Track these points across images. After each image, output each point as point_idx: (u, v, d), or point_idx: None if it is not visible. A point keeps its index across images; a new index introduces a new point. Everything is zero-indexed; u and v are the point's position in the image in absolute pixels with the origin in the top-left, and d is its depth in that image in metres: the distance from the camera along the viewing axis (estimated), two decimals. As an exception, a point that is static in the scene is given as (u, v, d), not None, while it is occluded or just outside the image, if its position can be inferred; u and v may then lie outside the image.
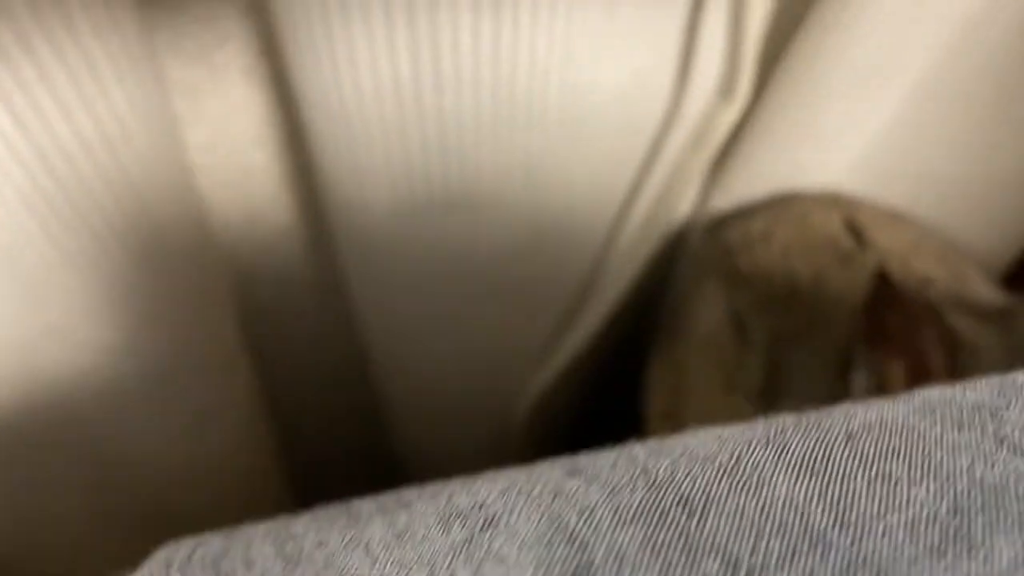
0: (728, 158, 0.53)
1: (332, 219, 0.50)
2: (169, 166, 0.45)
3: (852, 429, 0.20)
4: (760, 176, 0.54)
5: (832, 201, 0.54)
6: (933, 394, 0.23)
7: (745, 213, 0.56)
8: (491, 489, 0.20)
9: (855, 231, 0.51)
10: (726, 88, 0.44)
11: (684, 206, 0.58)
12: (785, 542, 0.16)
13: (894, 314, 0.38)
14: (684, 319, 0.56)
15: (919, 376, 0.39)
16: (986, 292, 0.51)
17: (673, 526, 0.17)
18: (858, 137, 0.52)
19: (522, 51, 0.40)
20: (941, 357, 0.38)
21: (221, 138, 0.50)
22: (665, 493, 0.18)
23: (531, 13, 0.38)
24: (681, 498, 0.18)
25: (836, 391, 0.44)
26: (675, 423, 0.55)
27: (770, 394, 0.49)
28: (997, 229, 0.56)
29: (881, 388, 0.40)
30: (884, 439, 0.20)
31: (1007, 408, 0.21)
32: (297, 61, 0.42)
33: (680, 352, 0.55)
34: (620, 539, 0.17)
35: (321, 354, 0.63)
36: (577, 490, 0.19)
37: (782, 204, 0.55)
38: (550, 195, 0.49)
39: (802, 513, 0.17)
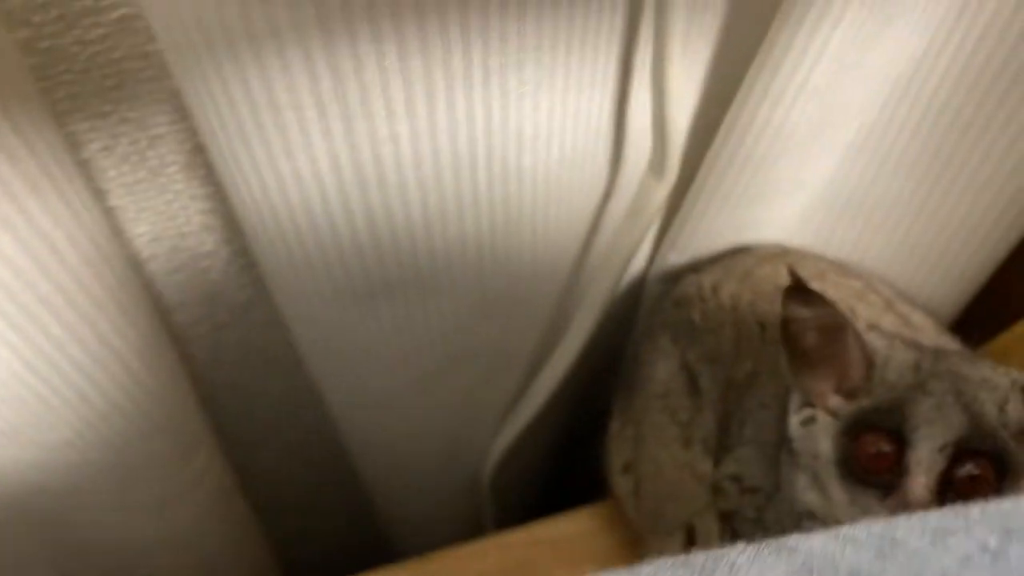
0: (682, 216, 0.53)
1: (278, 303, 0.50)
2: (107, 267, 0.45)
3: (723, 604, 0.20)
4: (712, 233, 0.54)
5: (779, 254, 0.54)
6: (816, 548, 0.22)
7: (697, 268, 0.56)
8: None
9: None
10: (657, 166, 0.44)
11: (636, 266, 0.58)
12: None
13: (811, 329, 0.39)
14: (641, 373, 0.55)
15: (845, 392, 0.40)
16: (934, 339, 0.51)
17: None
18: (803, 194, 0.52)
19: (443, 149, 0.40)
20: (861, 369, 0.39)
21: (166, 229, 0.51)
22: None
23: (448, 113, 0.38)
24: None
25: (785, 435, 0.44)
26: (636, 476, 0.55)
27: (724, 445, 0.49)
28: (946, 277, 0.56)
29: (811, 406, 0.41)
30: (751, 618, 0.20)
31: (881, 574, 0.21)
32: (220, 161, 0.42)
33: (639, 406, 0.55)
34: None
35: (290, 430, 0.63)
36: None
37: (732, 258, 0.55)
38: (496, 271, 0.49)
39: None
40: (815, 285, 0.50)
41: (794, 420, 0.42)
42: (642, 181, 0.45)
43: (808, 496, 0.42)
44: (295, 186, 0.40)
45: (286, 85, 0.35)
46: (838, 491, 0.40)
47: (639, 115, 0.44)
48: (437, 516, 0.70)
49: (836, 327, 0.39)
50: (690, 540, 0.52)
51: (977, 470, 0.37)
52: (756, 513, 0.46)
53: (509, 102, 0.39)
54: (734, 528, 0.48)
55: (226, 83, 0.35)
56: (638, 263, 0.59)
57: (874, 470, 0.38)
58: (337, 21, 0.32)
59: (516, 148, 0.42)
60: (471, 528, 0.71)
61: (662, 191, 0.44)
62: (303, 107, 0.36)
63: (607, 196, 0.48)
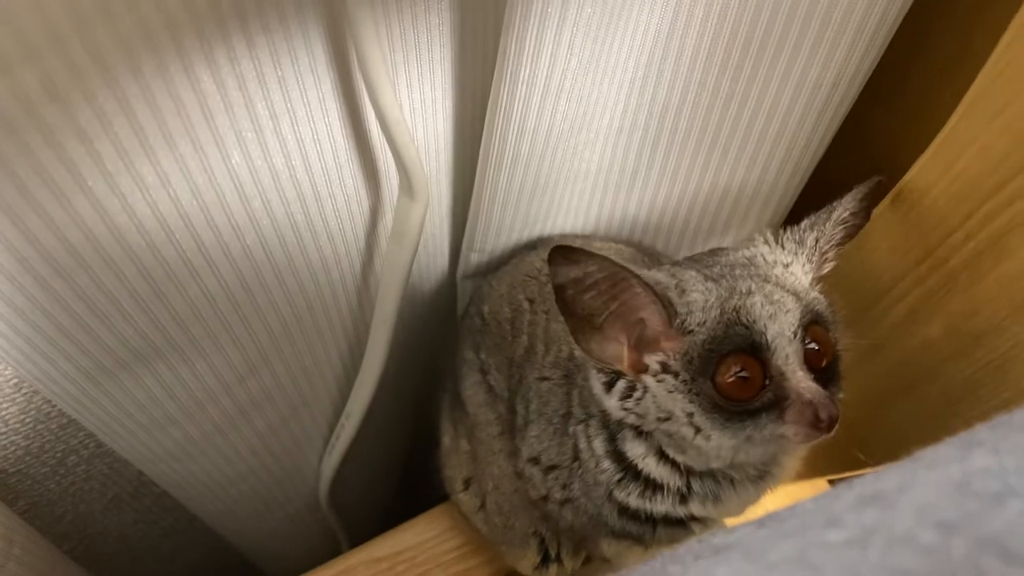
0: (472, 218, 0.52)
1: (43, 392, 0.46)
2: None
3: None
4: (503, 230, 0.53)
5: (547, 240, 0.53)
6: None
7: (490, 268, 0.55)
8: None
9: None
10: (406, 188, 0.42)
11: (440, 269, 0.57)
12: None
13: (587, 289, 0.34)
14: (461, 388, 0.54)
15: (647, 344, 0.37)
16: None
17: None
18: (581, 182, 0.51)
19: (167, 207, 0.37)
20: (660, 312, 0.35)
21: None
22: None
23: (168, 168, 0.35)
24: None
25: (569, 400, 0.43)
26: (479, 493, 0.53)
27: (517, 428, 0.47)
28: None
29: (619, 375, 0.38)
30: None
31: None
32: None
33: (468, 422, 0.53)
34: None
35: (110, 489, 0.60)
36: None
37: (515, 254, 0.54)
38: (270, 317, 0.47)
39: None
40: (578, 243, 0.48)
41: (612, 400, 0.38)
42: (398, 202, 0.43)
43: (649, 464, 0.40)
44: (13, 265, 0.36)
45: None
46: (726, 439, 0.36)
47: (381, 146, 0.42)
48: (292, 540, 0.69)
49: (614, 278, 0.34)
50: (543, 545, 0.51)
51: (819, 337, 0.36)
52: (563, 492, 0.44)
53: (229, 147, 0.36)
54: (548, 513, 0.47)
55: None
56: (440, 266, 0.57)
57: (749, 396, 0.35)
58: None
59: (252, 191, 0.39)
60: (329, 546, 0.70)
61: (418, 210, 0.42)
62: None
63: (374, 221, 0.46)
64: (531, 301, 0.48)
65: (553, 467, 0.45)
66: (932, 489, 0.24)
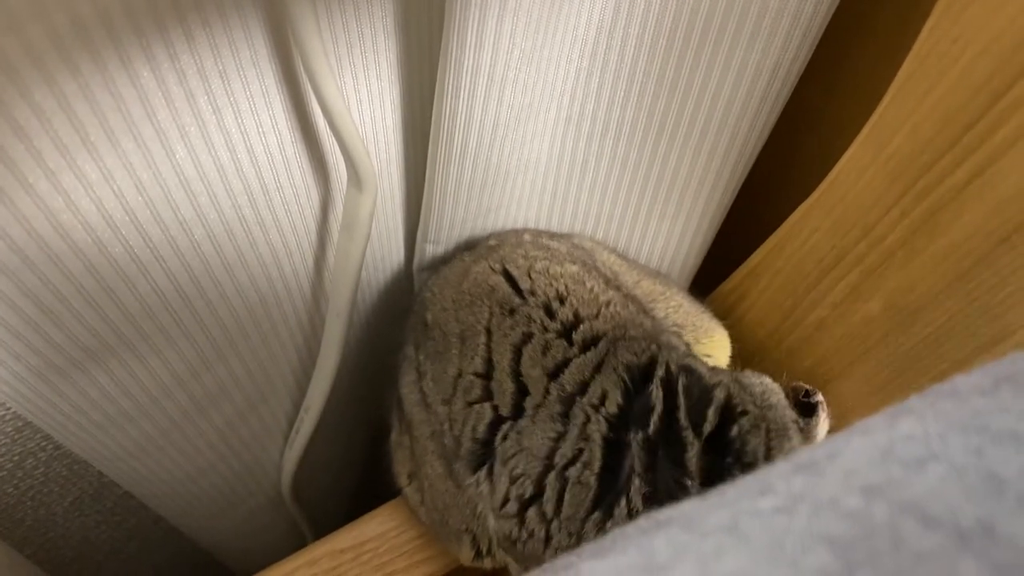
0: (425, 209, 0.52)
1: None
2: None
3: None
4: (456, 221, 0.53)
5: (494, 248, 0.51)
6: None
7: (435, 267, 0.54)
8: None
9: (513, 281, 0.48)
10: (353, 178, 0.42)
11: (396, 260, 0.57)
12: None
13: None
14: (400, 380, 0.53)
15: None
16: (661, 302, 0.52)
17: None
18: (531, 172, 0.52)
19: (113, 206, 0.37)
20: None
21: None
22: None
23: (114, 165, 0.35)
24: None
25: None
26: (420, 486, 0.54)
27: (476, 455, 0.45)
28: (685, 231, 0.57)
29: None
30: None
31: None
32: None
33: (408, 418, 0.53)
34: None
35: (69, 490, 0.59)
36: None
37: (455, 255, 0.53)
38: (221, 310, 0.47)
39: None
40: (524, 283, 0.48)
41: None
42: (347, 194, 0.43)
43: None
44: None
45: None
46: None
47: (327, 139, 0.42)
48: (257, 535, 0.69)
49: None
50: (475, 544, 0.52)
51: None
52: (570, 539, 0.43)
53: (172, 142, 0.37)
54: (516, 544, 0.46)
55: None
56: (396, 259, 0.58)
57: None
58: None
59: (199, 186, 0.39)
60: (295, 541, 0.70)
61: (367, 201, 0.43)
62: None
63: (325, 214, 0.47)
64: (488, 332, 0.46)
65: (568, 518, 0.43)
66: (859, 456, 0.25)
